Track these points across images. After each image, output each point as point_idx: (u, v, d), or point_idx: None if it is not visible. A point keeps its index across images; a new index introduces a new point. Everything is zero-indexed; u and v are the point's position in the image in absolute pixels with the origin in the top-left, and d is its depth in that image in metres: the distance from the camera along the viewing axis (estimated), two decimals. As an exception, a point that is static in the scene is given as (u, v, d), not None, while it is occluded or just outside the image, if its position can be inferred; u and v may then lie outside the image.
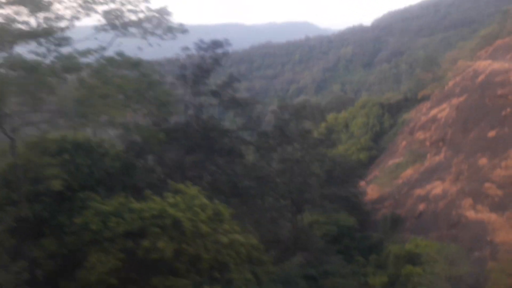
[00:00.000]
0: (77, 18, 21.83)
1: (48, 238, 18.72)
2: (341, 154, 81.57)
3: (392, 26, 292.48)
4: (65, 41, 21.53)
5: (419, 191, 60.75)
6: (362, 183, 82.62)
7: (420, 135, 78.56)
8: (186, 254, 17.75)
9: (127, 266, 17.33)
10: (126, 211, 18.13)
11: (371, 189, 74.24)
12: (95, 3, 22.12)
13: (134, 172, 23.51)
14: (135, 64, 24.25)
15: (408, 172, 69.68)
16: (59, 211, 19.24)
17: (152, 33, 23.98)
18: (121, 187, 21.42)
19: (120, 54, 23.24)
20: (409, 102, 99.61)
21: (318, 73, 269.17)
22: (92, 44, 22.58)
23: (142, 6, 23.48)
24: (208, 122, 28.63)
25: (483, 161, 52.71)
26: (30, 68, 19.08)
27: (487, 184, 49.13)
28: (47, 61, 21.03)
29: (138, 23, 23.50)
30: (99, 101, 20.61)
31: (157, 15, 24.04)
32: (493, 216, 46.17)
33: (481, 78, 64.27)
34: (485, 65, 71.31)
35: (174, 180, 22.06)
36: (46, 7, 20.48)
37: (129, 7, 23.08)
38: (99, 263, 16.99)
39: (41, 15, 20.75)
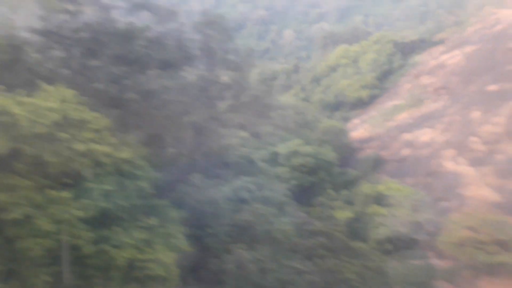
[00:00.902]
0: None
1: None
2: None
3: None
4: None
5: (407, 136, 60.14)
6: (356, 121, 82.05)
7: (425, 79, 76.01)
8: (26, 155, 17.14)
9: None
10: None
11: (364, 128, 73.62)
12: None
13: (16, 67, 22.38)
14: None
15: (403, 116, 68.45)
16: None
17: None
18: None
19: None
20: (425, 43, 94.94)
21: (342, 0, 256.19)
22: None
23: None
24: (105, 25, 25.56)
25: (476, 114, 51.31)
26: None
27: (473, 138, 48.29)
28: None
29: None
30: None
31: None
32: (470, 170, 45.97)
33: (498, 28, 60.41)
34: (509, 14, 66.79)
35: (60, 81, 20.84)
36: None
37: None
38: None
39: None
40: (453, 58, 71.86)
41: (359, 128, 75.38)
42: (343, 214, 46.67)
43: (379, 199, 46.14)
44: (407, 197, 44.65)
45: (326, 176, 52.00)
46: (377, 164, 60.06)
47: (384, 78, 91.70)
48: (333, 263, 25.10)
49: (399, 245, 43.37)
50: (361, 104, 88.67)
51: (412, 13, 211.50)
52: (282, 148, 50.62)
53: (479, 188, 43.52)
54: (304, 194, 50.64)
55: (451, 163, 48.08)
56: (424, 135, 57.43)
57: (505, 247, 33.02)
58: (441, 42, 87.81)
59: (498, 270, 34.00)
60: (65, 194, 16.94)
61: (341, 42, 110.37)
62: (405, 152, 57.77)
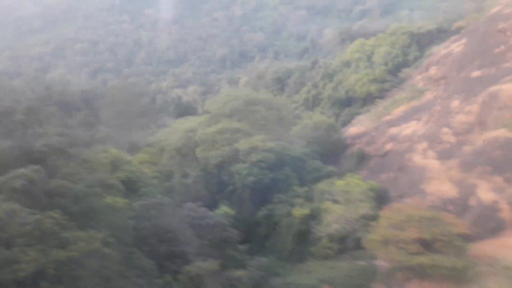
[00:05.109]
0: None
1: None
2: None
3: None
4: None
5: (393, 130, 56.07)
6: (362, 117, 77.72)
7: (432, 70, 70.61)
8: None
9: None
10: None
11: (362, 123, 69.76)
12: None
13: None
14: None
15: (399, 109, 63.83)
16: None
17: None
18: None
19: None
20: (443, 33, 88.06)
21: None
22: None
23: None
24: None
25: (455, 103, 46.60)
26: None
27: (444, 129, 43.86)
28: None
29: None
30: None
31: None
32: (435, 164, 41.74)
33: (495, 9, 54.56)
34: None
35: None
36: None
37: None
38: None
39: None
40: (459, 46, 66.03)
41: (359, 124, 71.57)
42: (299, 212, 44.42)
43: (333, 195, 43.35)
44: (361, 193, 41.63)
45: (291, 172, 49.63)
46: (361, 160, 56.59)
47: (398, 71, 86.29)
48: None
49: (350, 244, 40.48)
50: (372, 99, 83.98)
51: (460, 5, 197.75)
52: (242, 144, 49.09)
53: (441, 183, 39.35)
54: (267, 191, 48.85)
55: (420, 157, 43.99)
56: (408, 128, 53.24)
57: (427, 247, 29.36)
58: (458, 30, 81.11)
59: (430, 273, 30.38)
60: None
61: (360, 37, 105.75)
62: (388, 146, 53.85)
